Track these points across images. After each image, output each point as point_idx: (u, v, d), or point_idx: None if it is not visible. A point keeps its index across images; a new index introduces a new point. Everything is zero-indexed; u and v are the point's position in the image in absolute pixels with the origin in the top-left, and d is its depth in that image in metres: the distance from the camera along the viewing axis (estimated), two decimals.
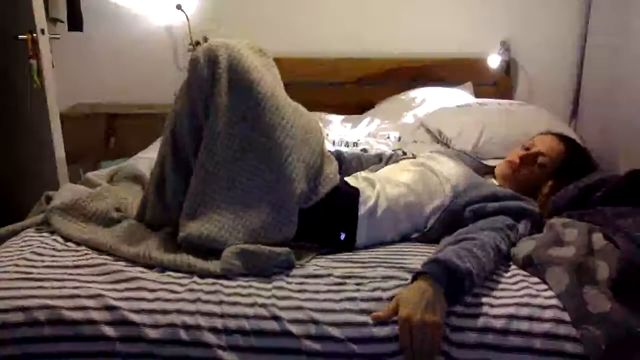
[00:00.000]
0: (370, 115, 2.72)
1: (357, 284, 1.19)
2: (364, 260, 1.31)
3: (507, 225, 1.36)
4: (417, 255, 1.33)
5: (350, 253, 1.38)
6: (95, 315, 1.12)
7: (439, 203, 1.50)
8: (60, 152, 2.34)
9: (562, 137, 1.69)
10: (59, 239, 1.37)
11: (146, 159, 2.01)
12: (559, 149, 1.63)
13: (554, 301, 1.15)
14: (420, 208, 1.49)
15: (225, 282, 1.20)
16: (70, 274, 1.21)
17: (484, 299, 1.16)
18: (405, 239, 1.48)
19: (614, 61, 2.58)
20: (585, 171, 1.59)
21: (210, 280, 1.20)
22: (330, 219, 1.41)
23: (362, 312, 1.13)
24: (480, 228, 1.33)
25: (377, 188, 1.48)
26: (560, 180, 1.58)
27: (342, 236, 1.41)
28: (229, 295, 1.16)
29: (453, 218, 1.44)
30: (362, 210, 1.43)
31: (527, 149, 1.64)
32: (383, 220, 1.45)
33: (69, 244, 1.35)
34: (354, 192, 1.47)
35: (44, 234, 1.40)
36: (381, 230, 1.45)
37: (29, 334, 1.10)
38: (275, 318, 1.11)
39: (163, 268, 1.25)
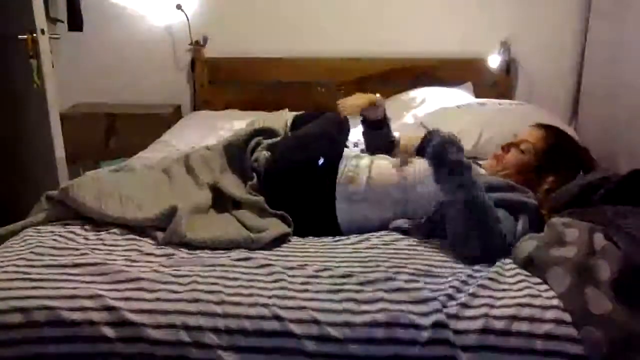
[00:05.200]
0: None
1: (359, 284, 1.19)
2: (366, 260, 1.30)
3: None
4: (418, 257, 1.33)
5: (351, 251, 1.37)
6: (95, 315, 1.11)
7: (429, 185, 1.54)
8: (60, 152, 2.34)
9: (541, 125, 1.74)
10: (59, 238, 1.37)
11: (146, 159, 2.01)
12: (539, 134, 1.67)
13: (555, 302, 1.15)
14: (411, 189, 1.55)
15: (226, 282, 1.19)
16: (70, 274, 1.21)
17: (485, 300, 1.16)
18: (404, 231, 1.47)
19: (614, 61, 2.58)
20: (574, 157, 1.63)
21: (211, 280, 1.20)
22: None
23: (363, 313, 1.12)
24: None
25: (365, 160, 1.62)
26: (561, 177, 1.58)
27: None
28: (230, 295, 1.16)
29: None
30: (341, 168, 1.56)
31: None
32: (363, 187, 1.53)
33: (68, 242, 1.35)
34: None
35: (44, 233, 1.39)
36: (361, 198, 1.53)
37: (27, 335, 1.10)
38: (277, 318, 1.11)
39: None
